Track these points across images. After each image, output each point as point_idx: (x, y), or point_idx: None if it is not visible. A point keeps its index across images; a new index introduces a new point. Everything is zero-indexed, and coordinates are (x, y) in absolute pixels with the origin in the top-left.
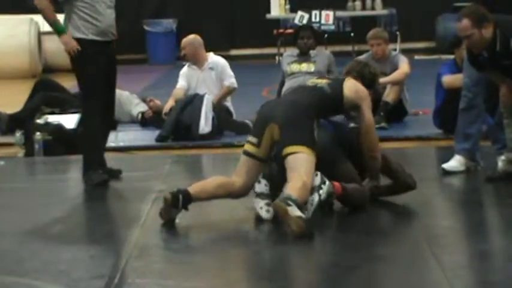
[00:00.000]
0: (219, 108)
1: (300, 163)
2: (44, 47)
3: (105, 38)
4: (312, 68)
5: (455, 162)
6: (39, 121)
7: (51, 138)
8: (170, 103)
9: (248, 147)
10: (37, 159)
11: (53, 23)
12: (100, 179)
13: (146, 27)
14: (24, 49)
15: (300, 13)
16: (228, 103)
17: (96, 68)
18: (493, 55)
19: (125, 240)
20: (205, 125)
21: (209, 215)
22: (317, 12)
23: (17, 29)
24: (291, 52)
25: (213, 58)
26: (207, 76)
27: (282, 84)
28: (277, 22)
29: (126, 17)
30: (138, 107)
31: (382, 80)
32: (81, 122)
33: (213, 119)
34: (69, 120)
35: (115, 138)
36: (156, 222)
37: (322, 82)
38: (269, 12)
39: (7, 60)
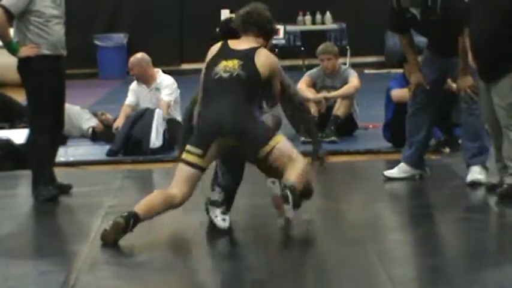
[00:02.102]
0: (170, 123)
1: (286, 150)
2: None
3: (56, 52)
4: None
5: (396, 169)
6: None
7: (0, 153)
8: (120, 120)
9: (190, 157)
10: None
11: (9, 42)
12: (50, 195)
13: (97, 42)
14: None
15: None
16: (179, 117)
17: (45, 83)
18: (424, 9)
19: (75, 256)
20: (156, 139)
21: (156, 230)
22: None
23: None
24: None
25: (161, 77)
26: (153, 96)
27: None
28: None
29: (77, 31)
30: (88, 122)
31: (332, 94)
32: (29, 137)
33: (164, 133)
34: (19, 135)
35: (65, 153)
36: None
37: (235, 67)
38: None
39: None
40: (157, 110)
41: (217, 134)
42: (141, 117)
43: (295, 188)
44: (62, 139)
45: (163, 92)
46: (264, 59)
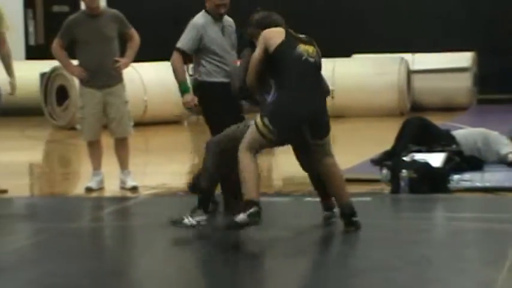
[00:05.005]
0: None
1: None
2: (413, 86)
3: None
4: None
5: None
6: (406, 159)
7: (416, 176)
8: None
9: (270, 135)
10: (402, 196)
11: (181, 83)
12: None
13: None
14: (393, 87)
15: None
16: None
17: (224, 107)
18: None
19: (492, 283)
20: None
21: None
22: None
23: (387, 67)
24: None
25: None
26: None
27: None
28: None
29: None
30: (507, 147)
31: None
32: None
33: None
34: (436, 159)
35: (481, 178)
36: None
37: (314, 53)
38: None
39: (376, 98)
40: None
41: (307, 121)
42: None
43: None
44: (478, 164)
45: None
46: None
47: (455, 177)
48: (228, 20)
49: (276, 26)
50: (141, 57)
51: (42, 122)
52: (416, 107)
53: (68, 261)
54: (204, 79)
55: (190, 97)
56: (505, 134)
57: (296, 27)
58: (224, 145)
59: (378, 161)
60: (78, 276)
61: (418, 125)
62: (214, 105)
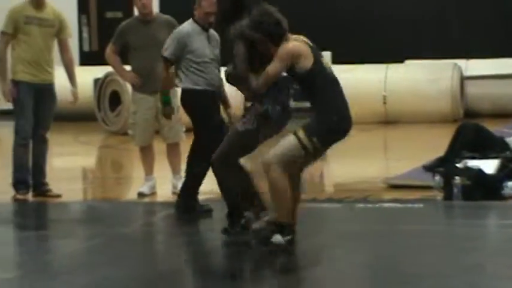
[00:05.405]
0: None
1: None
2: (466, 92)
3: (213, 88)
4: None
5: None
6: (459, 165)
7: (469, 183)
8: None
9: (311, 147)
10: (455, 203)
11: (160, 92)
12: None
13: None
14: (446, 93)
15: None
16: None
17: (208, 113)
18: None
19: None
20: None
21: None
22: None
23: (440, 73)
24: None
25: None
26: None
27: None
28: None
29: None
30: None
31: None
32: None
33: None
34: (489, 166)
35: None
36: None
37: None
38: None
39: (429, 104)
40: None
41: (347, 131)
42: None
43: None
44: None
45: None
46: None
47: (509, 184)
48: (214, 33)
49: (285, 34)
50: None
51: (96, 128)
52: (470, 113)
53: (121, 266)
54: (187, 86)
55: (168, 110)
56: None
57: (349, 33)
58: (230, 159)
59: (431, 167)
60: (131, 280)
61: (473, 131)
62: (199, 112)
